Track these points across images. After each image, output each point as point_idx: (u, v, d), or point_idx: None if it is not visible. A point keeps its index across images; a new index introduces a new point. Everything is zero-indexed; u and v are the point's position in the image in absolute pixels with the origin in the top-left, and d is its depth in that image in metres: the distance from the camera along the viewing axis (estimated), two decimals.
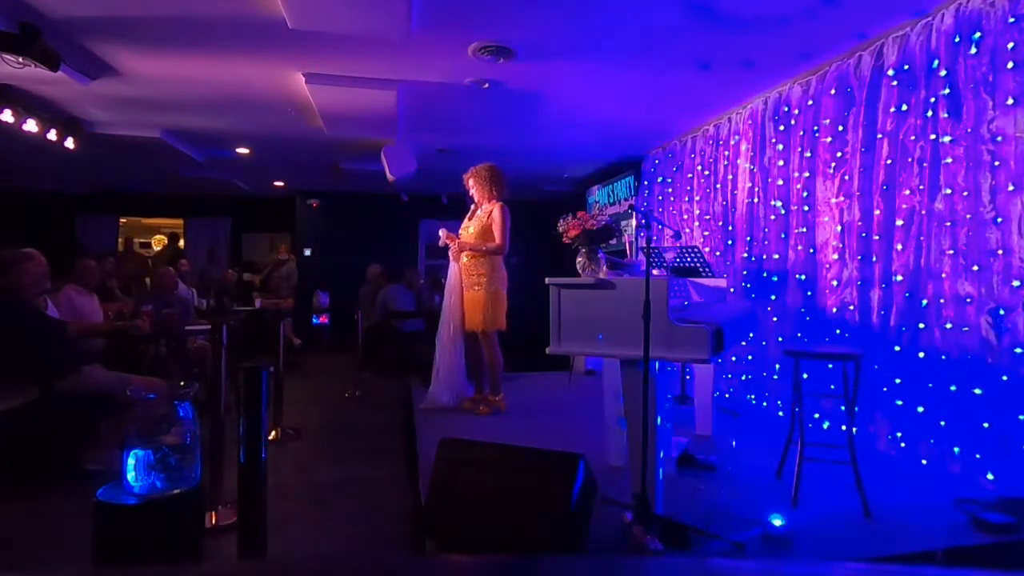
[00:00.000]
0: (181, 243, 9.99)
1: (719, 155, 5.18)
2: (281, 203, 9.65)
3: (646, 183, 6.63)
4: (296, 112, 5.03)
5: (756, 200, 4.62)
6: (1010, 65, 2.80)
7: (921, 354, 3.22)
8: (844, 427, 2.78)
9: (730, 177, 4.98)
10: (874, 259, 3.55)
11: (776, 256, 4.35)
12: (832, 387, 3.76)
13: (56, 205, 9.21)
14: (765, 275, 4.45)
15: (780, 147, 4.34)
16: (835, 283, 3.80)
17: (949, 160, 3.08)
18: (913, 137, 3.30)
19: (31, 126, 4.68)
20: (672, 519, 2.35)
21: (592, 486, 2.17)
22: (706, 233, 5.34)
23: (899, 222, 3.38)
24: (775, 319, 4.32)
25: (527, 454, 2.23)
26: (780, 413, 4.20)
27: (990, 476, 2.82)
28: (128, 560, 1.90)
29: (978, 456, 2.90)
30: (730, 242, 4.94)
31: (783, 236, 4.30)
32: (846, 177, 3.75)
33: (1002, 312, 2.83)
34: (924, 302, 3.22)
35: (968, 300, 2.99)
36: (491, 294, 4.23)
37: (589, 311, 2.56)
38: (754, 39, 3.63)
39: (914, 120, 3.30)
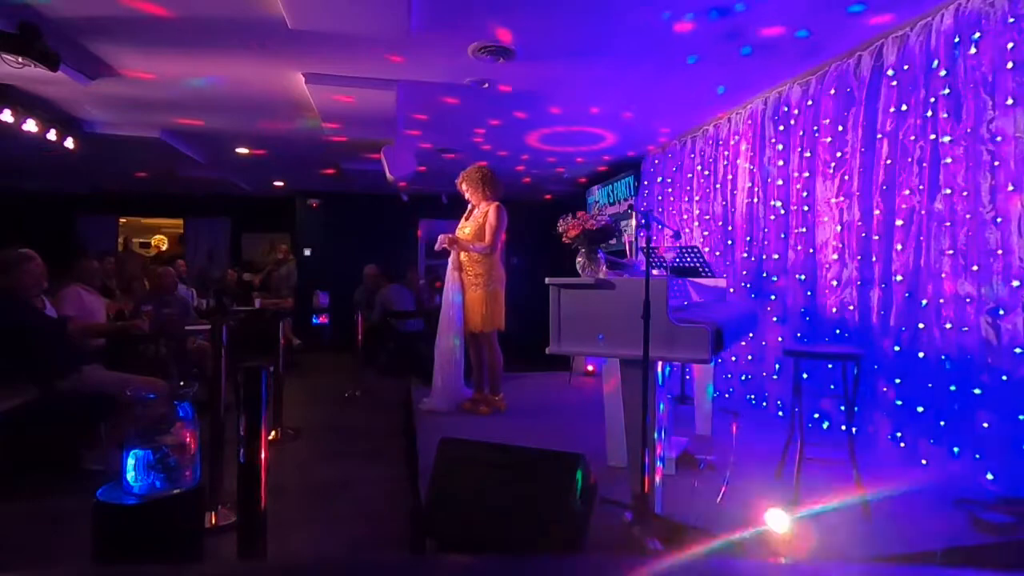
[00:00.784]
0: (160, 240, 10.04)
1: (719, 155, 5.18)
2: (281, 203, 9.65)
3: (646, 183, 6.63)
4: (296, 112, 5.02)
5: (756, 200, 4.62)
6: (1010, 65, 2.80)
7: (921, 354, 3.22)
8: (844, 427, 2.78)
9: (730, 177, 4.98)
10: (874, 259, 3.55)
11: (776, 256, 4.35)
12: (832, 387, 3.77)
13: (56, 205, 9.21)
14: (765, 275, 4.45)
15: (780, 147, 4.35)
16: (835, 283, 3.80)
17: (949, 160, 3.08)
18: (913, 137, 3.30)
19: (31, 126, 4.67)
20: (672, 519, 2.35)
21: (592, 486, 2.17)
22: (706, 233, 5.34)
23: (899, 222, 3.38)
24: (775, 319, 4.32)
25: (527, 454, 2.23)
26: (780, 413, 4.20)
27: (990, 476, 2.82)
28: (128, 560, 1.90)
29: (978, 456, 2.90)
30: (730, 242, 4.94)
31: (783, 236, 4.30)
32: (846, 177, 3.75)
33: (1002, 312, 2.83)
34: (924, 302, 3.22)
35: (968, 300, 2.99)
36: (489, 294, 4.23)
37: (589, 311, 2.56)
38: (754, 39, 3.63)
39: (914, 120, 3.30)
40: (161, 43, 3.70)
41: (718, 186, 5.17)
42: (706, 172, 5.40)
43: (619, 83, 4.42)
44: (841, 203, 3.78)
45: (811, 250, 4.04)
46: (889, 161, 3.45)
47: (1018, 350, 2.75)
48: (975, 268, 2.95)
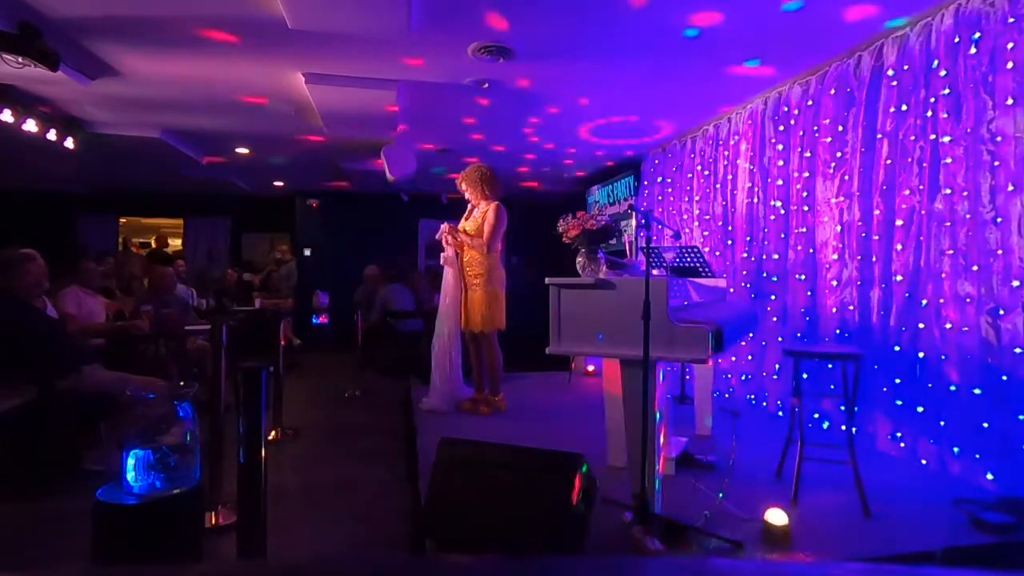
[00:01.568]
0: (176, 243, 10.04)
1: (719, 155, 5.18)
2: (281, 203, 9.65)
3: (646, 183, 6.63)
4: (296, 112, 5.02)
5: (756, 200, 4.62)
6: (1009, 65, 2.80)
7: (921, 354, 3.22)
8: (844, 427, 2.78)
9: (730, 177, 4.98)
10: (874, 259, 3.55)
11: (776, 256, 4.35)
12: (832, 387, 3.77)
13: (56, 205, 9.21)
14: (765, 275, 4.45)
15: (780, 147, 4.35)
16: (835, 283, 3.80)
17: (949, 160, 3.08)
18: (913, 137, 3.30)
19: (31, 126, 4.67)
20: (672, 519, 2.35)
21: (592, 486, 2.17)
22: (706, 233, 5.34)
23: (899, 222, 3.38)
24: (775, 319, 4.32)
25: (527, 454, 2.23)
26: (780, 413, 4.20)
27: (990, 476, 2.82)
28: (128, 560, 1.90)
29: (978, 456, 2.90)
30: (730, 242, 4.94)
31: (783, 236, 4.30)
32: (846, 177, 3.75)
33: (1002, 312, 2.83)
34: (924, 302, 3.22)
35: (968, 300, 2.99)
36: (489, 294, 4.23)
37: (589, 311, 2.56)
38: (754, 39, 3.63)
39: (914, 120, 3.31)
40: (161, 43, 3.70)
41: (718, 186, 5.17)
42: (706, 172, 5.40)
43: (619, 83, 4.42)
44: (841, 203, 3.78)
45: (811, 250, 4.04)
46: (889, 161, 3.45)
47: (1018, 350, 2.75)
48: (975, 268, 2.95)
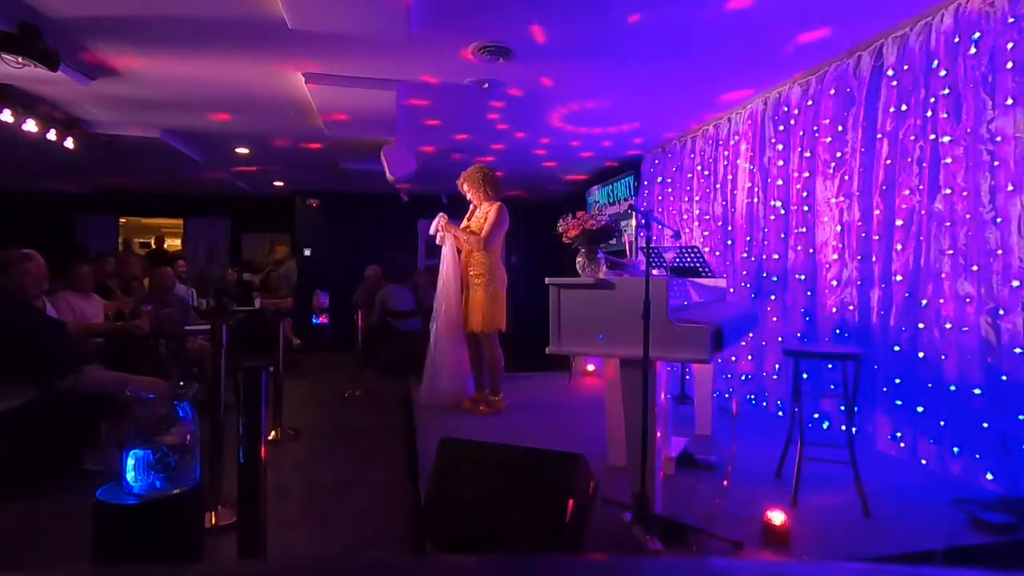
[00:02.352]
0: (175, 243, 10.03)
1: (719, 155, 5.18)
2: (281, 203, 9.65)
3: (646, 183, 6.63)
4: (296, 112, 5.03)
5: (756, 200, 4.62)
6: (1009, 65, 2.80)
7: (921, 354, 3.22)
8: (844, 427, 2.78)
9: (730, 177, 4.98)
10: (874, 259, 3.55)
11: (776, 256, 4.35)
12: (832, 387, 3.77)
13: (56, 205, 9.21)
14: (765, 275, 4.45)
15: (780, 147, 4.35)
16: (835, 283, 3.80)
17: (949, 160, 3.08)
18: (912, 137, 3.30)
19: (31, 126, 4.67)
20: (672, 519, 2.35)
21: (592, 486, 2.17)
22: (706, 233, 5.34)
23: (899, 222, 3.38)
24: (775, 319, 4.32)
25: (527, 454, 2.23)
26: (780, 413, 4.20)
27: (990, 476, 2.82)
28: (128, 560, 1.90)
29: (978, 456, 2.90)
30: (730, 242, 4.94)
31: (783, 236, 4.30)
32: (846, 177, 3.76)
33: (1002, 312, 2.83)
34: (924, 302, 3.22)
35: (968, 300, 2.99)
36: (490, 294, 4.23)
37: (589, 311, 2.56)
38: (754, 39, 3.63)
39: (913, 120, 3.31)
40: (161, 43, 3.70)
41: (718, 186, 5.17)
42: (706, 172, 5.40)
43: (619, 83, 4.42)
44: (841, 203, 3.78)
45: (811, 250, 4.04)
46: (889, 161, 3.45)
47: (1018, 350, 2.75)
48: (975, 268, 2.95)
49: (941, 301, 3.12)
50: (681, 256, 3.78)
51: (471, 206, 4.49)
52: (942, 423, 3.09)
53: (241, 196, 9.56)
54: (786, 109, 4.29)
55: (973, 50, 2.96)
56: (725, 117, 5.11)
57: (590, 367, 5.77)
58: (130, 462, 2.00)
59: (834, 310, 3.80)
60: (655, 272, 2.76)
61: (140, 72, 4.19)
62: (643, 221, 2.51)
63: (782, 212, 4.31)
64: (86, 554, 2.02)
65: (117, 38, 3.65)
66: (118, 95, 4.65)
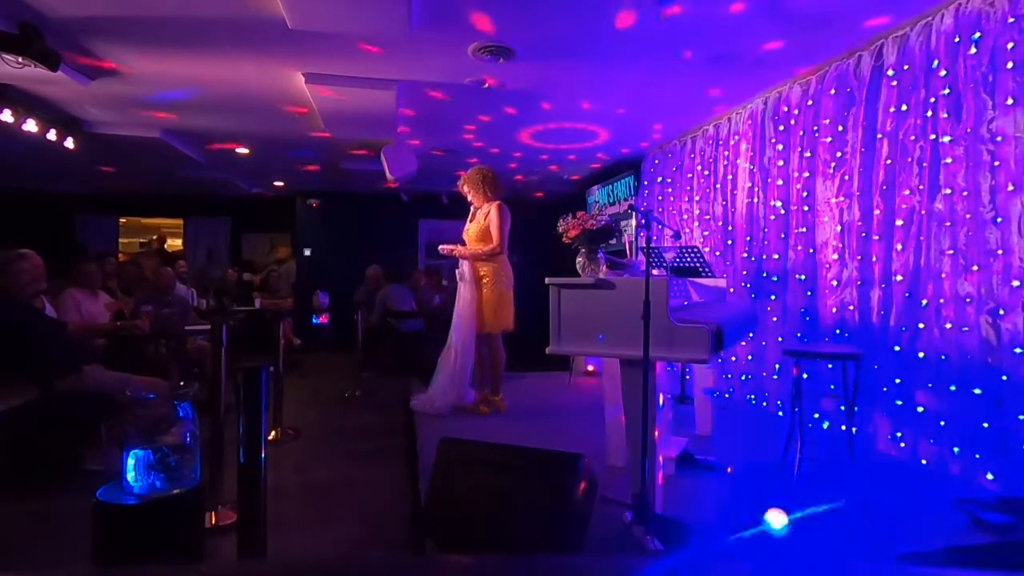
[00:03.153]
0: (176, 243, 10.03)
1: (719, 155, 5.18)
2: (281, 203, 9.65)
3: (646, 183, 6.63)
4: (296, 112, 5.03)
5: (756, 200, 4.62)
6: (1010, 65, 2.80)
7: (921, 354, 3.22)
8: (844, 427, 2.78)
9: (730, 177, 4.98)
10: (874, 259, 3.55)
11: (776, 256, 4.35)
12: (832, 387, 3.77)
13: (56, 205, 9.21)
14: (765, 275, 4.45)
15: (780, 147, 4.35)
16: (835, 283, 3.80)
17: (949, 160, 3.08)
18: (913, 137, 3.30)
19: (31, 126, 4.67)
20: (672, 519, 2.35)
21: (592, 486, 2.17)
22: (706, 233, 5.34)
23: (899, 222, 3.38)
24: (775, 319, 4.32)
25: (527, 454, 2.23)
26: (780, 413, 4.20)
27: (990, 476, 2.82)
28: (128, 560, 1.90)
29: (978, 456, 2.90)
30: (730, 242, 4.94)
31: (783, 236, 4.30)
32: (846, 177, 3.75)
33: (1002, 312, 2.83)
34: (924, 302, 3.22)
35: (968, 300, 2.99)
36: (497, 294, 4.24)
37: (589, 311, 2.56)
38: (753, 39, 3.63)
39: (914, 120, 3.30)
40: (161, 43, 3.70)
41: (718, 186, 5.17)
42: (706, 172, 5.40)
43: (619, 83, 4.42)
44: (841, 203, 3.78)
45: (811, 250, 4.04)
46: (889, 161, 3.45)
47: (1018, 350, 2.75)
48: (975, 268, 2.95)
49: (941, 301, 3.12)
50: (681, 256, 3.78)
51: (472, 207, 4.49)
52: (942, 423, 3.09)
53: (241, 196, 9.56)
54: (786, 109, 4.29)
55: (973, 50, 2.96)
56: (725, 117, 5.11)
57: (590, 367, 5.77)
58: (130, 462, 2.00)
59: (834, 310, 3.80)
60: (655, 272, 2.76)
61: (140, 72, 4.19)
62: (643, 221, 2.51)
63: (782, 212, 4.31)
64: (86, 554, 2.02)
65: (117, 38, 3.65)
66: (118, 95, 4.65)
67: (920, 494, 2.79)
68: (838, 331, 3.77)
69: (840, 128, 3.80)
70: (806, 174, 4.08)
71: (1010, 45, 2.80)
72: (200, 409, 2.34)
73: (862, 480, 2.59)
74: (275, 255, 9.66)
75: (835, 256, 3.80)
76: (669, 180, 6.14)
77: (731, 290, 4.51)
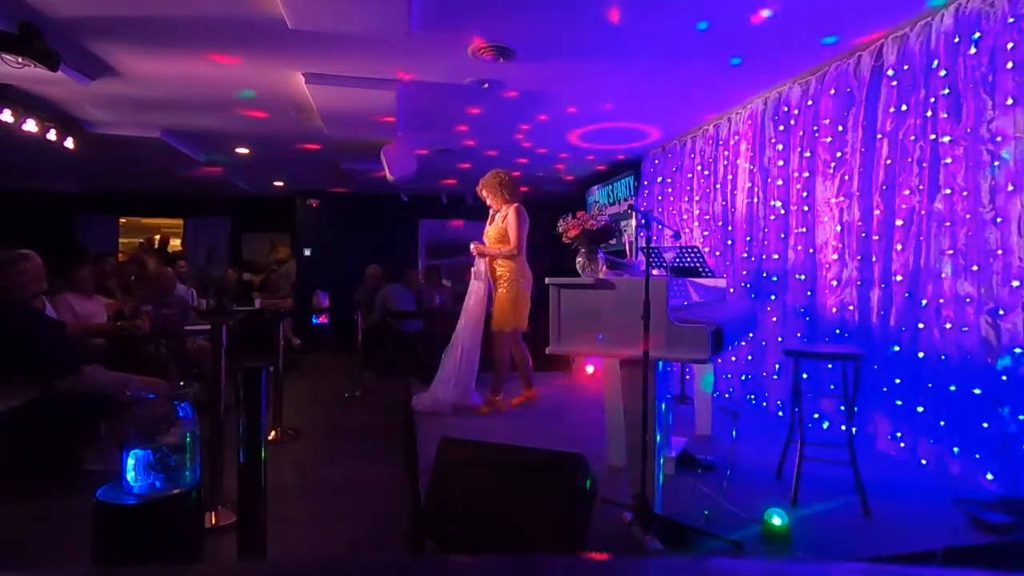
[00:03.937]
0: (176, 243, 10.04)
1: (719, 155, 5.18)
2: (281, 203, 9.65)
3: (646, 183, 6.63)
4: (296, 112, 5.03)
5: (756, 200, 4.62)
6: (1009, 65, 2.80)
7: (921, 354, 3.22)
8: (844, 427, 2.78)
9: (730, 177, 4.98)
10: (874, 259, 3.55)
11: (776, 256, 4.35)
12: (832, 387, 3.77)
13: (55, 205, 9.21)
14: (765, 275, 4.45)
15: (780, 147, 4.35)
16: (835, 283, 3.80)
17: (949, 160, 3.08)
18: (913, 137, 3.30)
19: (31, 126, 4.67)
20: (672, 519, 2.35)
21: (592, 486, 2.17)
22: (706, 233, 5.34)
23: (899, 222, 3.38)
24: (775, 319, 4.32)
25: (527, 454, 2.23)
26: (780, 413, 4.20)
27: (990, 476, 2.82)
28: (128, 560, 1.90)
29: (978, 456, 2.90)
30: (730, 242, 4.94)
31: (783, 236, 4.30)
32: (846, 177, 3.75)
33: (1002, 312, 2.83)
34: (924, 302, 3.22)
35: (968, 300, 2.99)
36: (512, 294, 4.25)
37: (589, 311, 2.56)
38: (754, 39, 3.63)
39: (913, 120, 3.31)
40: (161, 43, 3.70)
41: (718, 186, 5.17)
42: (706, 172, 5.40)
43: (619, 83, 4.42)
44: (841, 203, 3.78)
45: (811, 250, 4.04)
46: (889, 161, 3.45)
47: (1018, 350, 2.75)
48: (975, 268, 2.95)
49: (941, 301, 3.12)
50: (681, 256, 3.78)
51: (491, 211, 4.50)
52: (942, 423, 3.09)
53: (241, 196, 9.56)
54: (786, 109, 4.29)
55: (973, 50, 2.96)
56: (725, 117, 5.11)
57: (590, 367, 5.77)
58: (130, 462, 2.00)
59: (834, 310, 3.80)
60: (655, 272, 2.76)
61: (140, 72, 4.19)
62: (643, 221, 2.51)
63: (782, 212, 4.31)
64: (86, 554, 2.02)
65: (117, 38, 3.65)
66: (118, 95, 4.65)
67: (920, 494, 2.79)
68: (838, 331, 3.77)
69: (840, 128, 3.80)
70: (806, 174, 4.08)
71: (1010, 45, 2.80)
72: (200, 409, 2.34)
73: (862, 480, 2.59)
74: (275, 255, 9.66)
75: (835, 256, 3.80)
76: (669, 180, 6.14)
77: (731, 290, 4.51)
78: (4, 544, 2.53)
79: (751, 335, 4.36)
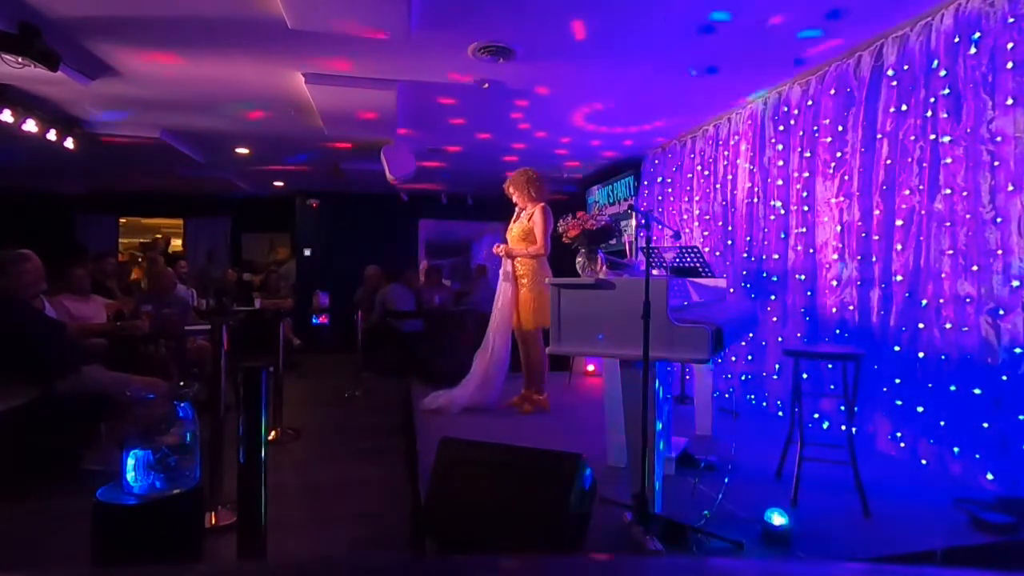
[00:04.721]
0: (176, 243, 10.03)
1: (719, 155, 5.18)
2: (281, 203, 9.65)
3: (646, 183, 6.63)
4: (296, 112, 5.03)
5: (756, 200, 4.62)
6: (1009, 65, 2.80)
7: (921, 354, 3.22)
8: (844, 427, 2.78)
9: (730, 177, 4.98)
10: (874, 259, 3.55)
11: (776, 256, 4.35)
12: (832, 387, 3.77)
13: (56, 205, 9.21)
14: (765, 275, 4.45)
15: (780, 147, 4.35)
16: (835, 283, 3.80)
17: (949, 160, 3.08)
18: (913, 137, 3.30)
19: (31, 126, 4.67)
20: (672, 519, 2.35)
21: (592, 486, 2.17)
22: (706, 233, 5.34)
23: (899, 222, 3.38)
24: (775, 319, 4.32)
25: (527, 454, 2.23)
26: (780, 413, 4.20)
27: (990, 476, 2.82)
28: (128, 560, 1.90)
29: (978, 456, 2.90)
30: (730, 242, 4.94)
31: (783, 236, 4.30)
32: (846, 177, 3.75)
33: (1002, 312, 2.83)
34: (924, 302, 3.22)
35: (968, 300, 2.99)
36: (533, 294, 4.27)
37: (589, 311, 2.56)
38: (754, 39, 3.63)
39: (914, 120, 3.30)
40: (161, 43, 3.70)
41: (718, 186, 5.17)
42: (706, 172, 5.40)
43: (619, 83, 4.42)
44: (841, 203, 3.78)
45: (811, 250, 4.04)
46: (889, 161, 3.45)
47: (1018, 350, 2.75)
48: (975, 268, 2.95)
49: (941, 301, 3.12)
50: (681, 256, 3.77)
51: (516, 208, 4.51)
52: (942, 423, 3.09)
53: (241, 196, 9.56)
54: (786, 109, 4.29)
55: (973, 50, 2.96)
56: (725, 117, 5.11)
57: (590, 367, 5.77)
58: (130, 462, 2.00)
59: (834, 310, 3.80)
60: (655, 272, 2.76)
61: (140, 72, 4.19)
62: (643, 221, 2.51)
63: (782, 212, 4.31)
64: (86, 554, 2.02)
65: (117, 38, 3.65)
66: (118, 95, 4.65)
67: (920, 494, 2.79)
68: (838, 331, 3.77)
69: (840, 128, 3.80)
70: (806, 174, 4.08)
71: (1010, 45, 2.80)
72: (200, 409, 2.34)
73: (862, 480, 2.59)
74: (275, 255, 9.65)
75: (835, 256, 3.80)
76: (669, 180, 6.14)
77: (731, 290, 4.51)
78: (4, 544, 2.53)
79: (751, 335, 4.36)
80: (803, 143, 4.11)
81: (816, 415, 3.87)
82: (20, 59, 3.37)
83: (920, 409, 3.20)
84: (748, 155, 4.72)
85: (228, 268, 9.38)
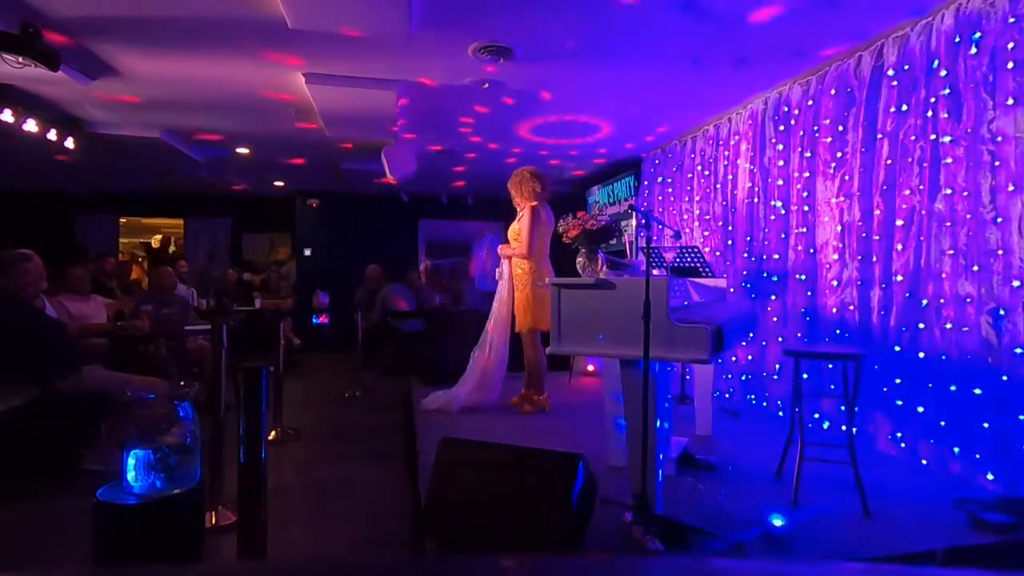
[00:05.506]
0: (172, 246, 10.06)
1: (719, 155, 5.18)
2: (281, 203, 9.65)
3: (646, 183, 6.63)
4: (296, 112, 5.03)
5: (756, 200, 4.62)
6: (1010, 65, 2.80)
7: (921, 354, 3.22)
8: (844, 427, 2.78)
9: (730, 177, 4.98)
10: (874, 259, 3.55)
11: (776, 256, 4.34)
12: (832, 387, 3.77)
13: (56, 205, 9.21)
14: (765, 275, 4.45)
15: (780, 147, 4.34)
16: (835, 283, 3.80)
17: (949, 160, 3.08)
18: (913, 137, 3.30)
19: (31, 126, 4.67)
20: (672, 519, 2.35)
21: (592, 486, 2.17)
22: (706, 233, 5.34)
23: (899, 222, 3.38)
24: (775, 319, 4.32)
25: (527, 454, 2.23)
26: (780, 413, 4.20)
27: (990, 476, 2.82)
28: (128, 560, 1.90)
29: (978, 456, 2.90)
30: (730, 242, 4.94)
31: (783, 236, 4.30)
32: (846, 177, 3.75)
33: (1002, 312, 2.83)
34: (924, 302, 3.22)
35: (968, 300, 2.99)
36: (526, 295, 4.27)
37: (589, 311, 2.56)
38: (754, 40, 3.63)
39: (914, 120, 3.30)
40: (161, 43, 3.70)
41: (718, 186, 5.17)
42: (706, 172, 5.39)
43: (619, 83, 4.42)
44: (841, 203, 3.78)
45: (811, 250, 4.04)
46: (889, 161, 3.45)
47: (1018, 350, 2.75)
48: (975, 268, 2.95)
49: (941, 301, 3.12)
50: (681, 256, 3.78)
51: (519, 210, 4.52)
52: (942, 423, 3.09)
53: (241, 196, 9.56)
54: (786, 109, 4.29)
55: (974, 50, 2.96)
56: (725, 117, 5.11)
57: (590, 367, 5.77)
58: (130, 462, 2.00)
59: (834, 310, 3.79)
60: (655, 272, 2.76)
61: (140, 72, 4.19)
62: (643, 221, 2.51)
63: (782, 212, 4.31)
64: (86, 554, 2.03)
65: (117, 38, 3.65)
66: (118, 95, 4.65)
67: (920, 494, 2.79)
68: (838, 331, 3.77)
69: (840, 128, 3.80)
70: (806, 174, 4.08)
71: (1010, 45, 2.80)
72: (200, 409, 2.34)
73: (862, 480, 2.59)
74: (275, 255, 9.65)
75: (835, 256, 3.80)
76: (669, 180, 6.14)
77: (731, 290, 4.51)
78: (4, 544, 2.53)
79: (751, 335, 4.36)
80: (803, 143, 4.11)
81: (816, 415, 3.87)
82: (20, 59, 3.37)
83: (920, 409, 3.20)
84: (748, 155, 4.72)
85: (228, 268, 9.38)
